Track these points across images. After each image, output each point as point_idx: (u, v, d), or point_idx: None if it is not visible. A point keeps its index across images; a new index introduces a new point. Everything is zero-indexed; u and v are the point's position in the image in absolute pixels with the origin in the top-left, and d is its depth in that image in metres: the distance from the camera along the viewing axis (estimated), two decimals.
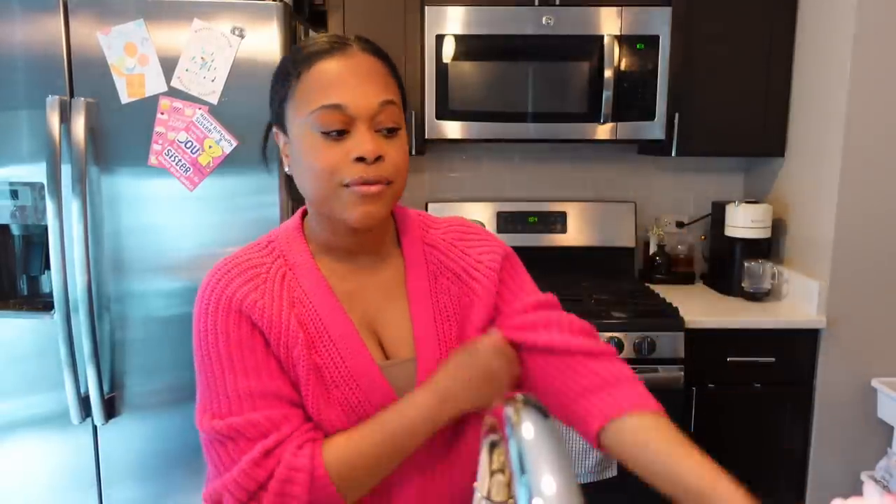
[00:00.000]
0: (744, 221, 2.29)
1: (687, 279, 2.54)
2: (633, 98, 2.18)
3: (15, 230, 1.82)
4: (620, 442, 0.79)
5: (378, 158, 0.80)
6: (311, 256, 0.87)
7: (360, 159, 0.79)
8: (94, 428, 1.78)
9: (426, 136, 2.20)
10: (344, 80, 0.80)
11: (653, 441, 0.77)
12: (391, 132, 0.82)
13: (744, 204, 2.31)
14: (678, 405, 2.02)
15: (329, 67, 0.80)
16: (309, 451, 0.78)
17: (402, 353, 0.87)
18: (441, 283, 0.91)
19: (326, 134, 0.80)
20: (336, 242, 0.88)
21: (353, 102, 0.79)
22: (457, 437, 0.90)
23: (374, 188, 0.80)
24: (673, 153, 2.25)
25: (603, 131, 2.20)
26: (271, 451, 0.78)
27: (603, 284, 2.36)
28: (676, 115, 2.22)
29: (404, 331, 0.88)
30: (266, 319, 0.82)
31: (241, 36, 1.67)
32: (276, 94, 0.85)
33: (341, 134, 0.80)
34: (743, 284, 2.28)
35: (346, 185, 0.80)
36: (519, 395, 0.48)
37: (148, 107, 1.68)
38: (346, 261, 0.89)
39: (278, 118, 0.86)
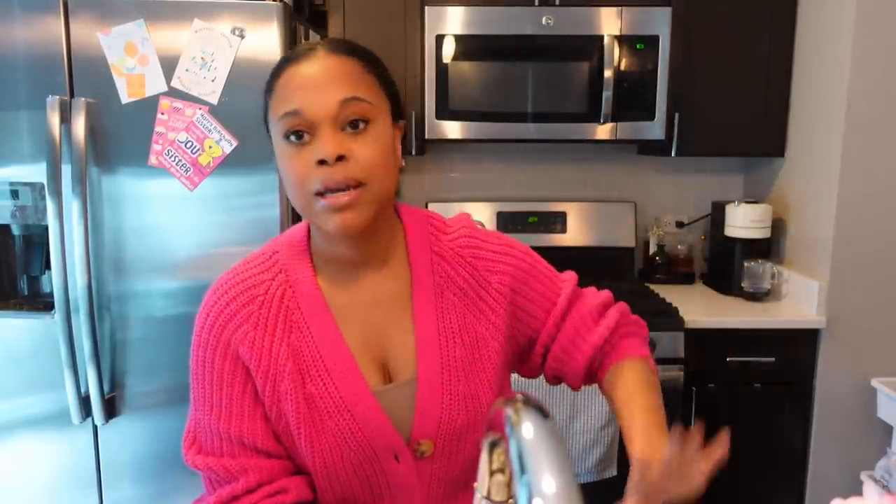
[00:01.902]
0: (743, 221, 2.29)
1: (687, 279, 2.54)
2: (632, 98, 2.18)
3: (15, 230, 1.82)
4: (605, 382, 0.95)
5: (341, 158, 0.76)
6: (314, 273, 0.85)
7: (322, 162, 0.76)
8: (95, 428, 1.78)
9: (426, 136, 2.20)
10: (301, 85, 0.78)
11: (618, 382, 0.92)
12: (357, 127, 0.78)
13: (744, 204, 2.31)
14: (678, 405, 2.02)
15: (290, 74, 0.79)
16: None
17: (406, 373, 0.85)
18: (447, 299, 0.87)
19: (291, 140, 0.78)
20: (336, 253, 0.85)
21: (309, 106, 0.77)
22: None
23: (343, 198, 0.76)
24: (673, 153, 2.25)
25: (603, 131, 2.20)
26: None
27: (603, 284, 2.35)
28: (676, 115, 2.22)
29: (408, 350, 0.86)
30: (255, 353, 0.82)
31: (242, 36, 1.67)
32: (263, 106, 0.85)
33: (303, 138, 0.78)
34: (743, 284, 2.28)
35: (318, 195, 0.77)
36: (519, 395, 0.48)
37: (148, 107, 1.68)
38: (350, 272, 0.86)
39: (267, 129, 0.85)
